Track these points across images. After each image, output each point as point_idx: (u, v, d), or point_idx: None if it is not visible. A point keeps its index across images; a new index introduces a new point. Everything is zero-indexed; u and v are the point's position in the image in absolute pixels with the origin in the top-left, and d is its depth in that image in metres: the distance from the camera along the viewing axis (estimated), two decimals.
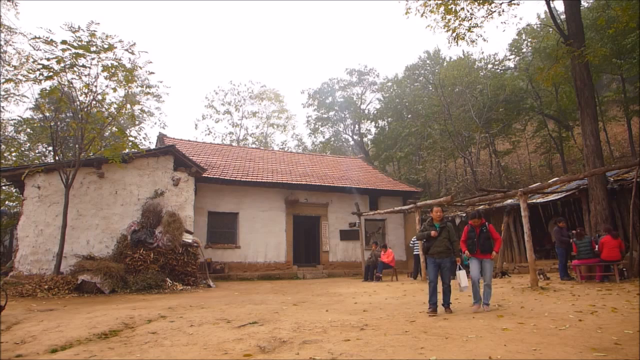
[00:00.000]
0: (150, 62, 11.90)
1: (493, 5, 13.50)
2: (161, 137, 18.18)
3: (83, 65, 10.61)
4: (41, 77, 10.29)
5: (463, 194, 20.98)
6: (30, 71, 10.79)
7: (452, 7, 13.34)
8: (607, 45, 15.61)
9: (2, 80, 13.86)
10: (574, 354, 3.53)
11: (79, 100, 11.40)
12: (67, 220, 10.80)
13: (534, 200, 13.28)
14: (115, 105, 12.03)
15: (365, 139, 34.95)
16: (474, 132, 21.84)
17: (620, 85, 19.19)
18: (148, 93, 12.61)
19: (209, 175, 14.69)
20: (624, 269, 9.15)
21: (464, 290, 6.20)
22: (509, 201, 13.43)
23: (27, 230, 11.29)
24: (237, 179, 15.46)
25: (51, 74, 10.21)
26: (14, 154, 18.18)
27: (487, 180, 22.84)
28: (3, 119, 18.34)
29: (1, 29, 14.92)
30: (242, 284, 13.01)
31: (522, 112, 22.19)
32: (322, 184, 17.06)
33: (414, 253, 13.81)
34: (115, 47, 10.75)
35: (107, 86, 11.47)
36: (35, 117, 18.90)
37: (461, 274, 6.06)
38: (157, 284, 10.35)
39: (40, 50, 10.35)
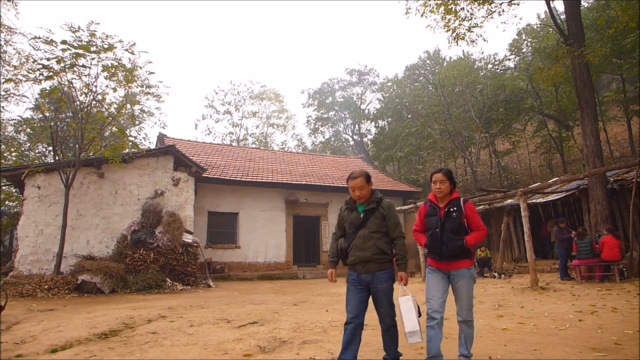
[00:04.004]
0: (150, 62, 11.93)
1: (493, 5, 13.51)
2: (161, 137, 18.18)
3: (83, 65, 10.62)
4: (41, 77, 10.30)
5: (463, 194, 20.92)
6: (30, 71, 10.80)
7: (452, 7, 13.35)
8: (607, 45, 15.59)
9: (2, 80, 13.86)
10: (574, 354, 3.53)
11: (79, 100, 11.41)
12: (67, 220, 10.80)
13: (534, 200, 13.28)
14: (115, 105, 12.04)
15: (365, 139, 34.96)
16: (474, 132, 21.85)
17: (620, 85, 19.19)
18: (148, 93, 12.61)
19: (209, 175, 14.68)
20: (624, 269, 9.15)
21: (413, 340, 3.13)
22: (509, 201, 13.43)
23: (27, 230, 11.29)
24: (237, 179, 15.46)
25: (51, 74, 10.22)
26: (14, 154, 18.19)
27: (487, 180, 22.85)
28: (3, 119, 18.35)
29: (1, 29, 14.92)
30: (242, 284, 13.01)
31: (522, 112, 22.20)
32: (322, 184, 17.06)
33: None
34: (115, 47, 10.76)
35: (107, 86, 11.50)
36: (35, 117, 18.90)
37: (403, 305, 3.15)
38: (157, 284, 10.35)
39: (40, 50, 10.37)
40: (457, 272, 3.21)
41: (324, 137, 36.16)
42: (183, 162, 13.52)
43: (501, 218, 13.72)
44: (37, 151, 20.36)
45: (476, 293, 8.31)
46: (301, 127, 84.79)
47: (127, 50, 11.02)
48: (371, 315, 3.32)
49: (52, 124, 12.50)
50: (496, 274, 11.71)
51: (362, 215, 3.25)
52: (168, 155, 13.36)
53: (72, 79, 10.90)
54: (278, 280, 14.31)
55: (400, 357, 3.30)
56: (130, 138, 14.42)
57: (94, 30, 10.50)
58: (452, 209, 3.24)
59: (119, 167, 11.64)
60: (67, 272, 10.43)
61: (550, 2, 12.82)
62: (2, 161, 16.15)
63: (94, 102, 11.43)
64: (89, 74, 10.84)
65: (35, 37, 10.12)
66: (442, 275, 3.27)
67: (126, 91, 11.89)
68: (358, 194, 3.24)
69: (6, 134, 19.02)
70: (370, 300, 3.27)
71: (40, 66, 10.15)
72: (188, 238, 11.92)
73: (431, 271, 3.33)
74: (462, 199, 3.31)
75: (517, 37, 25.70)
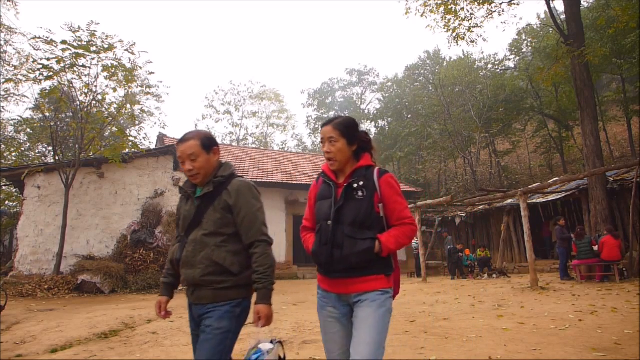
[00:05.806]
0: (150, 62, 11.99)
1: (493, 5, 13.53)
2: (161, 137, 18.16)
3: (83, 65, 10.63)
4: (41, 77, 10.31)
5: (463, 194, 20.98)
6: (30, 71, 10.82)
7: (452, 7, 13.37)
8: (607, 45, 15.60)
9: (2, 80, 13.87)
10: (574, 354, 3.53)
11: (79, 100, 11.42)
12: (67, 220, 10.80)
13: (534, 200, 13.28)
14: (115, 105, 12.05)
15: None
16: (474, 132, 21.86)
17: (620, 85, 19.20)
18: (148, 93, 12.63)
19: None
20: (624, 269, 9.15)
21: None
22: (509, 201, 13.44)
23: (27, 230, 11.28)
24: None
25: (51, 74, 10.22)
26: (14, 154, 18.19)
27: (487, 180, 22.85)
28: (3, 119, 18.36)
29: (1, 29, 14.92)
30: None
31: (522, 112, 22.21)
32: None
33: (414, 253, 13.82)
34: (115, 47, 10.78)
35: (107, 86, 11.53)
36: (35, 117, 18.90)
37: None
38: (157, 284, 10.35)
39: (40, 50, 10.39)
40: (360, 298, 1.79)
41: None
42: None
43: (501, 218, 13.72)
44: (37, 151, 20.37)
45: (476, 293, 8.29)
46: (301, 127, 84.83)
47: (127, 50, 11.04)
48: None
49: (52, 124, 12.49)
50: (494, 275, 11.74)
51: (196, 205, 1.94)
52: (168, 155, 13.36)
53: (72, 79, 10.93)
54: (278, 280, 14.17)
55: None
56: (130, 138, 14.42)
57: (94, 30, 10.52)
58: (356, 185, 1.86)
59: (119, 167, 11.64)
60: (67, 272, 10.43)
61: (550, 2, 12.85)
62: (2, 161, 16.15)
63: (94, 102, 11.44)
64: (89, 74, 10.87)
65: (35, 37, 10.13)
66: (340, 312, 1.86)
67: (126, 91, 11.91)
68: (189, 167, 1.96)
69: (6, 134, 19.03)
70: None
71: (40, 66, 10.16)
72: None
73: (323, 301, 1.93)
74: (376, 168, 1.92)
75: (517, 37, 25.72)
